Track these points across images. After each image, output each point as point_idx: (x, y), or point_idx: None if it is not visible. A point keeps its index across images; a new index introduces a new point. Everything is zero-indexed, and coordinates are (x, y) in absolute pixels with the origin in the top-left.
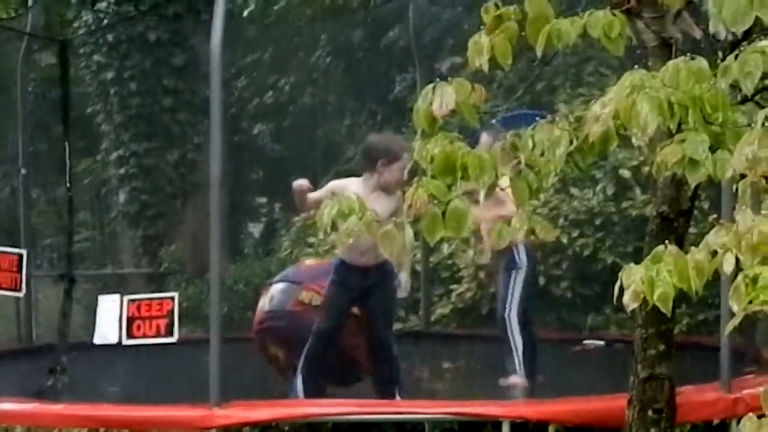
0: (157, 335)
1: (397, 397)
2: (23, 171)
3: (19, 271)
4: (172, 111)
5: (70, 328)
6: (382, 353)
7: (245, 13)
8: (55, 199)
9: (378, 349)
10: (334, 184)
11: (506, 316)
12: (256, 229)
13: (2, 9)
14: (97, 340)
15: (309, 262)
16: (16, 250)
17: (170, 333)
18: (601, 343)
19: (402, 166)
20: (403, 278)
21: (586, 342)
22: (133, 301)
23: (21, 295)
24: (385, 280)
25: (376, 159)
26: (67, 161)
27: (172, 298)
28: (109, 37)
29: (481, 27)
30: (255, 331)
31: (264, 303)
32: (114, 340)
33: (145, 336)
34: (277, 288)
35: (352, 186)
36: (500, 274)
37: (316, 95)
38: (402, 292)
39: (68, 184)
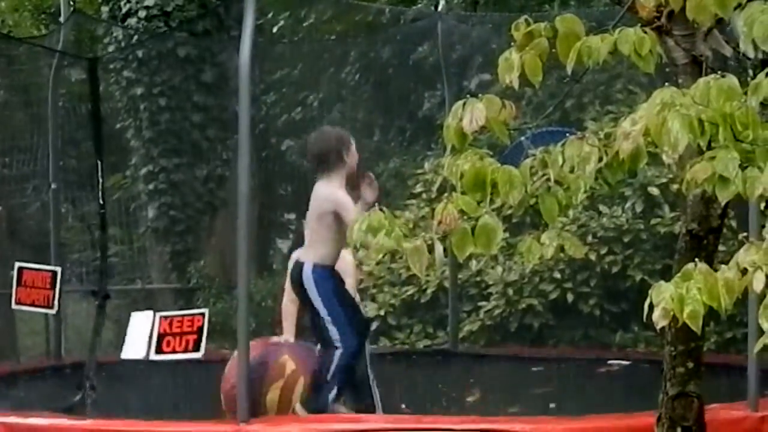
0: (186, 351)
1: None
2: (53, 186)
3: (53, 287)
4: (202, 127)
5: (101, 344)
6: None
7: (275, 29)
8: (85, 214)
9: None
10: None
11: None
12: (284, 244)
13: (33, 25)
14: (125, 354)
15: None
16: (50, 268)
17: (197, 349)
18: (626, 362)
19: (354, 147)
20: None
21: (611, 362)
22: (166, 317)
23: (53, 312)
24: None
25: (341, 150)
26: (100, 178)
27: (203, 315)
28: (139, 53)
29: (511, 44)
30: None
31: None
32: (142, 355)
33: (174, 351)
34: None
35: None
36: None
37: (344, 112)
38: None
39: (101, 201)
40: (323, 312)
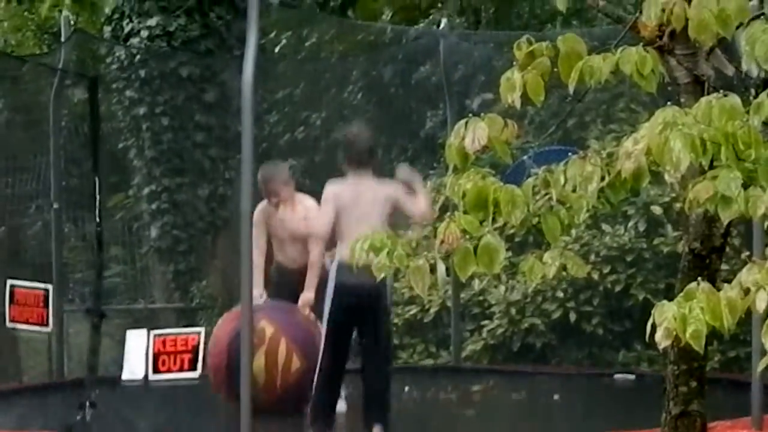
0: (181, 370)
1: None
2: (55, 205)
3: (46, 306)
4: (204, 146)
5: (100, 363)
6: (382, 386)
7: (277, 49)
8: (87, 233)
9: (376, 382)
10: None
11: None
12: None
13: (36, 45)
14: (126, 375)
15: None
16: (43, 286)
17: (194, 368)
18: (632, 377)
19: None
20: None
21: (617, 376)
22: (160, 335)
23: (48, 330)
24: (380, 298)
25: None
26: (98, 196)
27: (198, 333)
28: (142, 73)
29: (513, 63)
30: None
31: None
32: (140, 375)
33: (170, 371)
34: None
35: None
36: None
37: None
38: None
39: (98, 220)
40: (389, 321)
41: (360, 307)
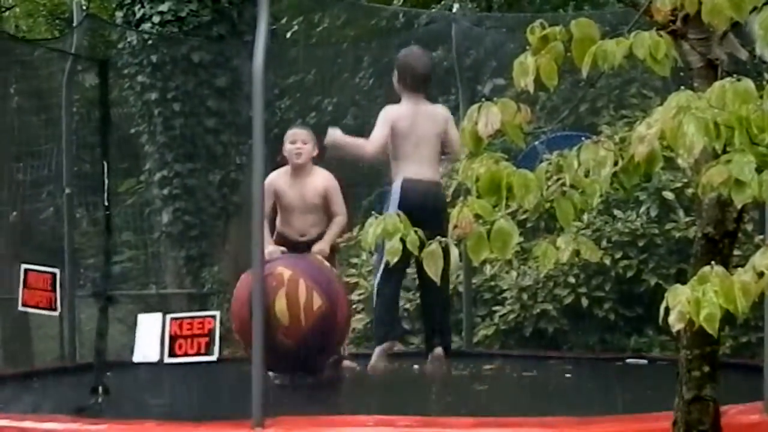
0: (198, 354)
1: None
2: (67, 190)
3: (53, 289)
4: (215, 131)
5: (112, 348)
6: (443, 307)
7: (288, 35)
8: (98, 218)
9: (437, 304)
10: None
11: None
12: None
13: (48, 30)
14: (137, 358)
15: None
16: (49, 269)
17: (210, 352)
18: (644, 361)
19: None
20: None
21: (629, 361)
22: (176, 319)
23: (56, 313)
24: (443, 215)
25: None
26: (106, 180)
27: (214, 317)
28: (153, 58)
29: (526, 48)
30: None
31: None
32: (155, 358)
33: (186, 354)
34: None
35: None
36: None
37: (358, 116)
38: None
39: (106, 203)
40: None
41: (425, 222)
